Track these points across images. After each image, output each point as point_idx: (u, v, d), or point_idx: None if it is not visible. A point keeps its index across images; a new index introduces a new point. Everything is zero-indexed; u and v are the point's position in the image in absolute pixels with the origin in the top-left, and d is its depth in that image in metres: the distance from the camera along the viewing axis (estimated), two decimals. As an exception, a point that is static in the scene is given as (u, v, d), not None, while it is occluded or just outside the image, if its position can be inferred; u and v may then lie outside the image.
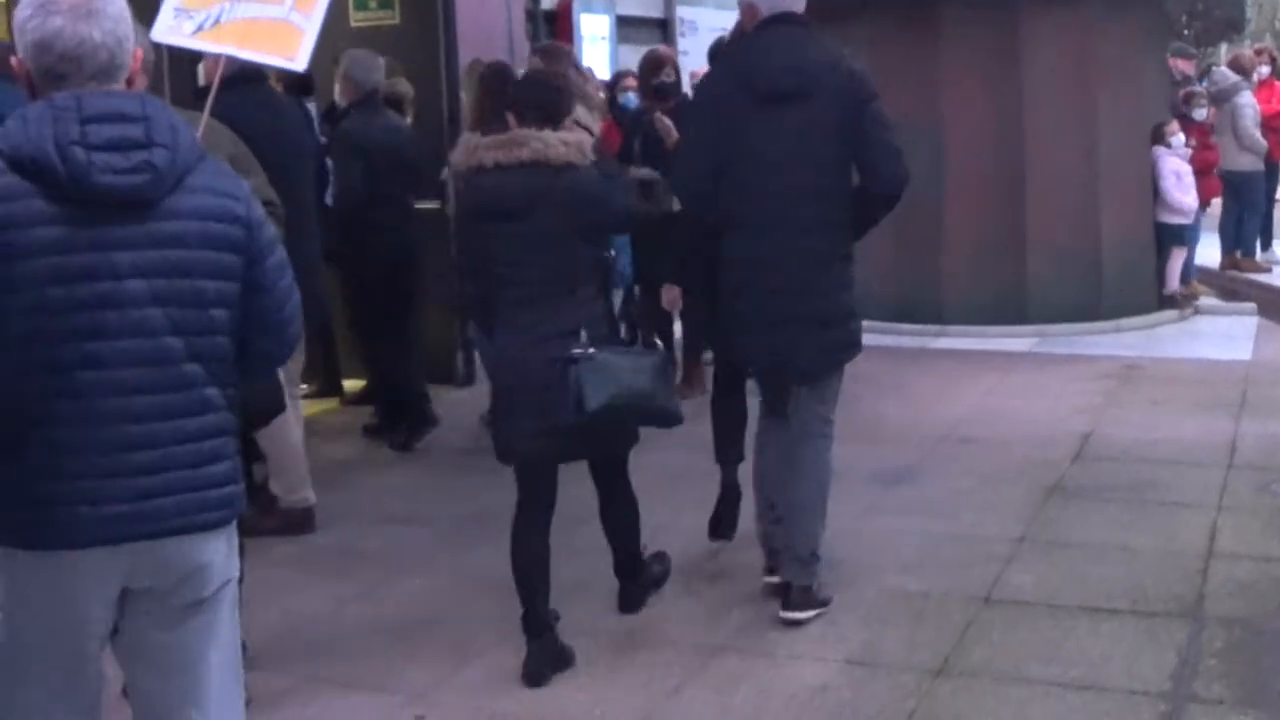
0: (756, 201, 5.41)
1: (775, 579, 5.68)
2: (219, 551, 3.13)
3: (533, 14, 16.31)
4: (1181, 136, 11.96)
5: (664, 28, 22.51)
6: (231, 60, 5.03)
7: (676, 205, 6.42)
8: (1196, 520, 6.55)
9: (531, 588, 5.16)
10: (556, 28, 17.67)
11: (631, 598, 5.68)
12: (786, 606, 5.51)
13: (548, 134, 5.10)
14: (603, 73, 13.15)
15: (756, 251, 5.43)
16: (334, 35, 10.41)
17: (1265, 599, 5.62)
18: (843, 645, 5.26)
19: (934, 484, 7.22)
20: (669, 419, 5.28)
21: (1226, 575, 5.87)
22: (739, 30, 5.98)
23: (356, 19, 10.87)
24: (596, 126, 6.96)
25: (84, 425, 2.93)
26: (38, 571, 2.97)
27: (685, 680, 5.01)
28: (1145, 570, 5.93)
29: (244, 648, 4.83)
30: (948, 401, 9.00)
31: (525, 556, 5.17)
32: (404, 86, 9.28)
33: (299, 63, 5.00)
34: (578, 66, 7.89)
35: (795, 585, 5.52)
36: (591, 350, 4.98)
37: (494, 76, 7.51)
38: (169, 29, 4.94)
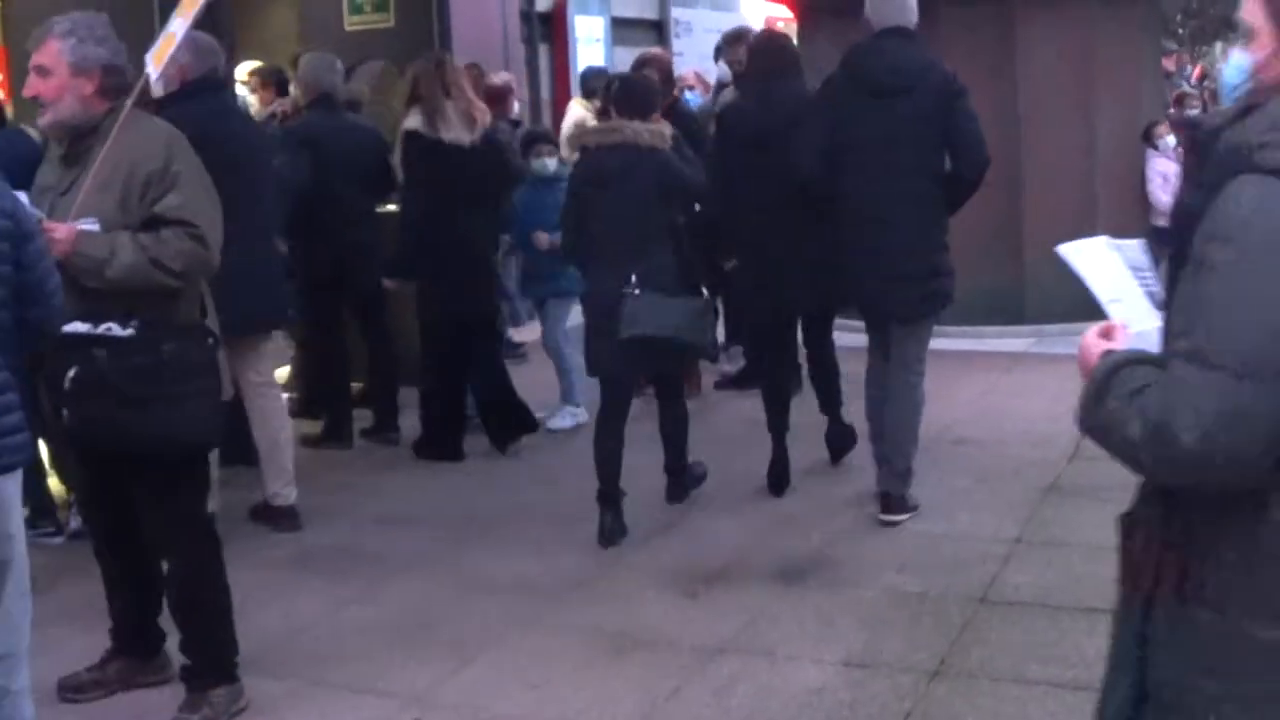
0: (869, 176, 6.44)
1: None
2: (10, 492, 3.78)
3: (528, 16, 16.33)
4: (1171, 139, 11.95)
5: (659, 29, 22.52)
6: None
7: None
8: (1193, 519, 6.54)
9: (607, 471, 6.57)
10: (551, 30, 17.69)
11: (676, 490, 7.00)
12: (885, 511, 6.66)
13: (637, 124, 6.59)
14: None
15: (867, 218, 6.47)
16: (329, 39, 10.49)
17: (1262, 598, 5.62)
18: (840, 646, 5.26)
19: (931, 484, 7.21)
20: (699, 352, 7.23)
21: (1223, 574, 5.87)
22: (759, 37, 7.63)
23: (351, 22, 10.89)
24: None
25: None
26: None
27: (684, 681, 5.02)
28: (1142, 569, 5.92)
29: (236, 649, 4.90)
30: (944, 401, 8.97)
31: (603, 450, 6.60)
32: (358, 89, 9.30)
33: (156, 72, 5.02)
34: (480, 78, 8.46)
35: (892, 494, 6.67)
36: (638, 291, 6.33)
37: (431, 65, 7.79)
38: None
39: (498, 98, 10.06)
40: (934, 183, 6.49)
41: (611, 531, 6.47)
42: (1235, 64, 2.51)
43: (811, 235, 6.76)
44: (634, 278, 6.36)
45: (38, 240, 3.82)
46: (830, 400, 7.56)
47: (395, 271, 8.20)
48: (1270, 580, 2.22)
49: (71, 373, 4.35)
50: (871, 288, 6.57)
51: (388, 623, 5.69)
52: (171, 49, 4.98)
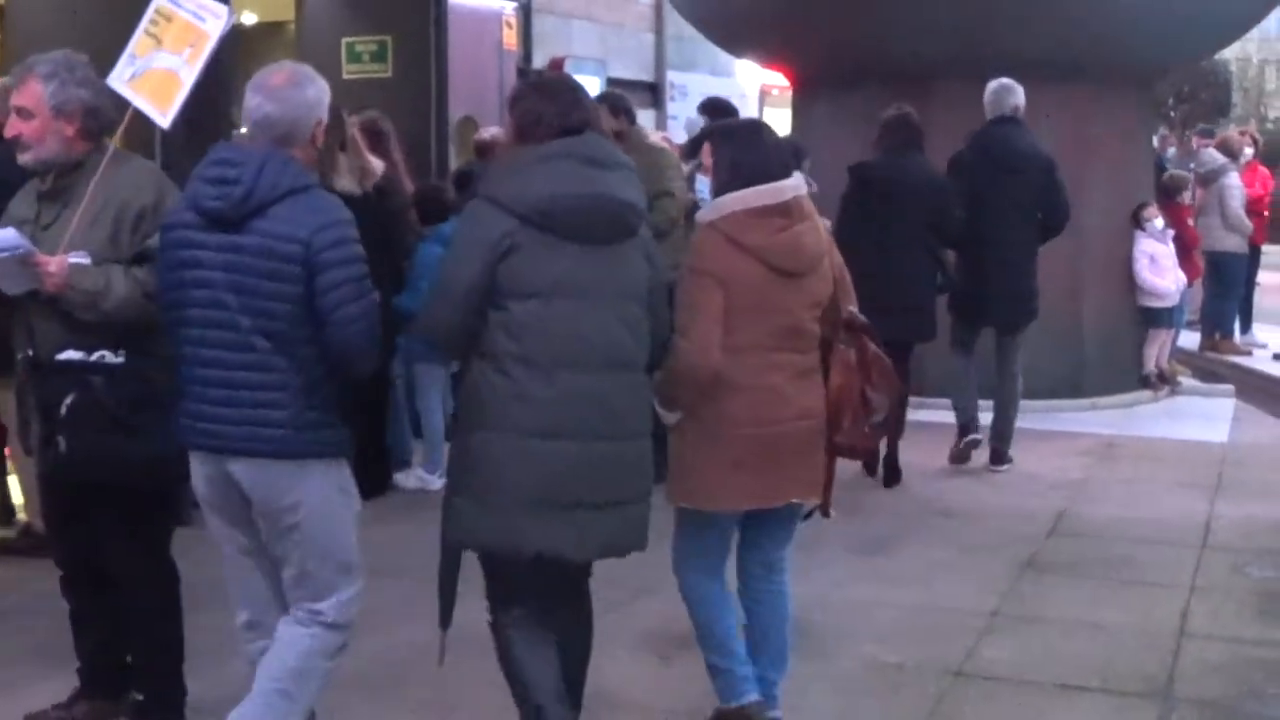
0: (994, 228, 8.91)
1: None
2: (283, 476, 4.24)
3: (524, 73, 16.43)
4: (1159, 221, 12.00)
5: (654, 91, 22.68)
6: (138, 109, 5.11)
7: None
8: (1169, 600, 6.58)
9: None
10: (548, 87, 17.78)
11: None
12: (995, 462, 9.26)
13: None
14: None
15: (992, 257, 8.96)
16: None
17: (1236, 681, 5.64)
18: (815, 716, 5.26)
19: (910, 555, 7.24)
20: None
21: (1198, 656, 5.89)
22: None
23: (349, 70, 10.98)
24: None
25: (187, 364, 4.26)
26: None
27: (656, 744, 5.00)
28: (1117, 648, 5.94)
29: (185, 689, 4.88)
30: (928, 473, 9.03)
31: None
32: None
33: (167, 118, 5.05)
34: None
35: (1001, 449, 9.26)
36: None
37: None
38: (117, 75, 5.10)
39: (486, 151, 10.22)
40: (1033, 231, 9.14)
41: None
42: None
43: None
44: None
45: (332, 273, 4.19)
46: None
47: None
48: (468, 411, 4.24)
49: (68, 400, 4.47)
50: (999, 305, 9.13)
51: (363, 675, 5.64)
52: (180, 94, 5.00)
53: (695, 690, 5.49)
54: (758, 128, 5.05)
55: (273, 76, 4.29)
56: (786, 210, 4.64)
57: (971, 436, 9.40)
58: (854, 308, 4.87)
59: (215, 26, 5.03)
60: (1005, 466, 9.23)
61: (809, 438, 4.71)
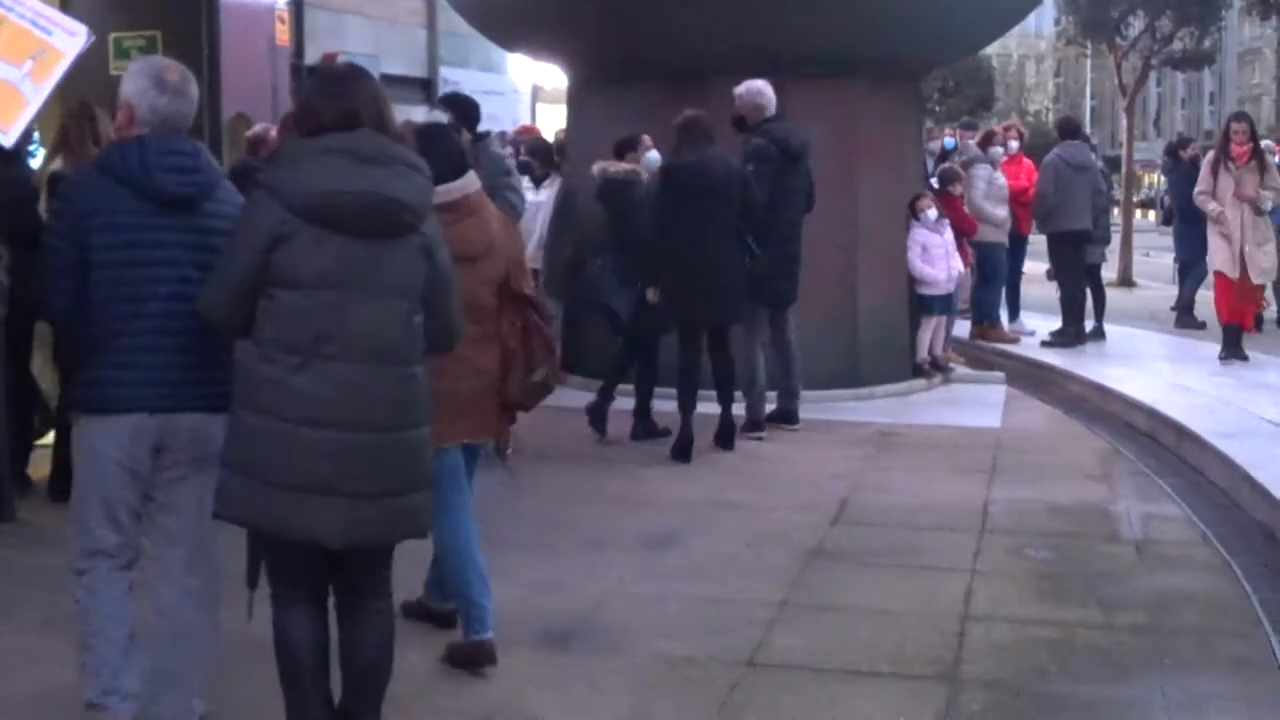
0: (779, 213, 9.74)
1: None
2: (220, 425, 4.52)
3: (298, 70, 16.19)
4: (933, 212, 12.28)
5: (427, 88, 22.51)
6: None
7: None
8: (953, 583, 6.70)
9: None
10: (320, 84, 17.54)
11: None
12: (786, 421, 10.21)
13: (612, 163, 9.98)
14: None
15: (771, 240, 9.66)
16: (92, 82, 10.18)
17: (1020, 660, 5.76)
18: (608, 712, 5.23)
19: (698, 548, 7.26)
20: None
21: (983, 637, 6.00)
22: None
23: (116, 67, 10.66)
24: None
25: (140, 335, 4.52)
26: None
27: (450, 748, 4.93)
28: (905, 633, 6.03)
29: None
30: (709, 466, 9.07)
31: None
32: None
33: (10, 136, 4.90)
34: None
35: (792, 408, 10.28)
36: None
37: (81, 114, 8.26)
38: None
39: (258, 145, 10.07)
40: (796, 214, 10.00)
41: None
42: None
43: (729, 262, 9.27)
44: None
45: None
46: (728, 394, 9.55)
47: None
48: (240, 391, 4.33)
49: None
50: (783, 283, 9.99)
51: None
52: (26, 112, 4.82)
53: (490, 690, 5.44)
54: (434, 132, 5.83)
55: (170, 74, 4.60)
56: (448, 208, 5.22)
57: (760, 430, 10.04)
58: (527, 284, 5.76)
59: (70, 44, 4.90)
60: (796, 427, 10.15)
61: (482, 391, 5.53)
